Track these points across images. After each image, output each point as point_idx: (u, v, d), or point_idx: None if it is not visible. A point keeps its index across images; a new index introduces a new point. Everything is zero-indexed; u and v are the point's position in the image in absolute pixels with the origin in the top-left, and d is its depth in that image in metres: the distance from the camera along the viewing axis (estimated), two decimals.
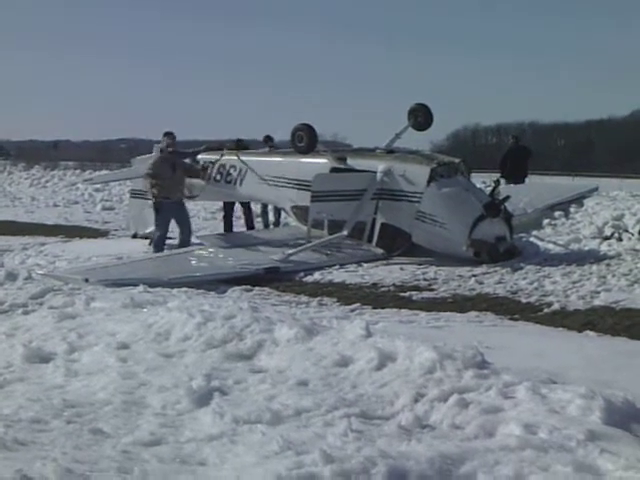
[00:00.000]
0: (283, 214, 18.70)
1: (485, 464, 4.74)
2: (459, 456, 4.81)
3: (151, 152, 18.03)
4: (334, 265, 13.89)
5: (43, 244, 17.07)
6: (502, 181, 19.08)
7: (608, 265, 13.02)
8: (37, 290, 10.58)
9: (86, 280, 11.77)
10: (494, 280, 12.38)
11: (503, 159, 22.95)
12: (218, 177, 17.29)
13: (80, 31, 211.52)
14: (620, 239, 15.19)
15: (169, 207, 15.27)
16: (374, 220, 15.12)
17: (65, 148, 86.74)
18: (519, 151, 23.06)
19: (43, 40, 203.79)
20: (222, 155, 17.35)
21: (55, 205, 27.39)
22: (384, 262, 14.23)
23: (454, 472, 4.67)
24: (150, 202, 15.67)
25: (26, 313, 9.63)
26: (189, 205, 16.90)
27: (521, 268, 13.08)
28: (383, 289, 12.08)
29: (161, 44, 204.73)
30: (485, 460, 4.78)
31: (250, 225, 18.76)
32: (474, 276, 12.69)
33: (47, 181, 37.79)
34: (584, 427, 5.15)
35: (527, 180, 22.71)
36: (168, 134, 16.05)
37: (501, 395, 5.86)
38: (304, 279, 13.03)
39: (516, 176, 21.96)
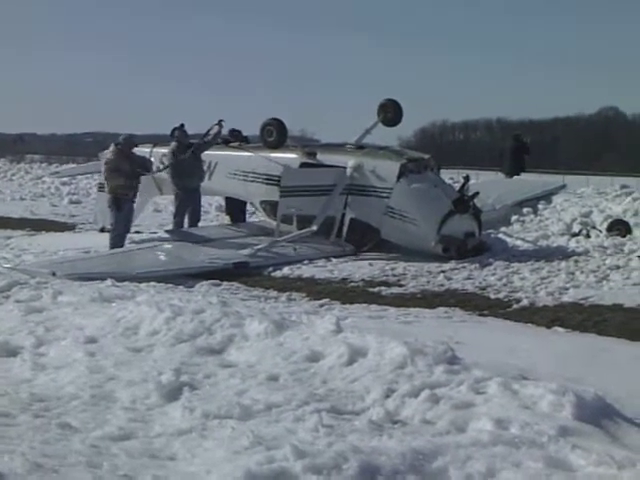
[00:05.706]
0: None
1: (456, 459, 4.73)
2: (431, 451, 4.80)
3: None
4: (303, 260, 13.86)
5: (9, 237, 16.91)
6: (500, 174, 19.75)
7: (576, 262, 13.08)
8: (3, 283, 10.47)
9: (53, 274, 11.68)
10: (463, 276, 12.42)
11: (502, 156, 24.69)
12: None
13: (45, 23, 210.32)
14: (588, 236, 15.31)
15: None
16: (343, 215, 15.11)
17: (31, 141, 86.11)
18: (519, 149, 24.07)
19: (7, 32, 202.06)
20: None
21: (21, 198, 27.13)
22: (353, 257, 14.24)
23: (426, 467, 4.65)
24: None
25: None
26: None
27: (490, 264, 13.11)
28: (352, 284, 12.09)
29: (128, 37, 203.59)
30: (457, 455, 4.77)
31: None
32: (443, 272, 12.71)
33: (13, 174, 37.49)
34: (555, 423, 5.16)
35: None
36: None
37: (472, 390, 5.86)
38: (273, 274, 13.00)
39: (515, 172, 23.19)
